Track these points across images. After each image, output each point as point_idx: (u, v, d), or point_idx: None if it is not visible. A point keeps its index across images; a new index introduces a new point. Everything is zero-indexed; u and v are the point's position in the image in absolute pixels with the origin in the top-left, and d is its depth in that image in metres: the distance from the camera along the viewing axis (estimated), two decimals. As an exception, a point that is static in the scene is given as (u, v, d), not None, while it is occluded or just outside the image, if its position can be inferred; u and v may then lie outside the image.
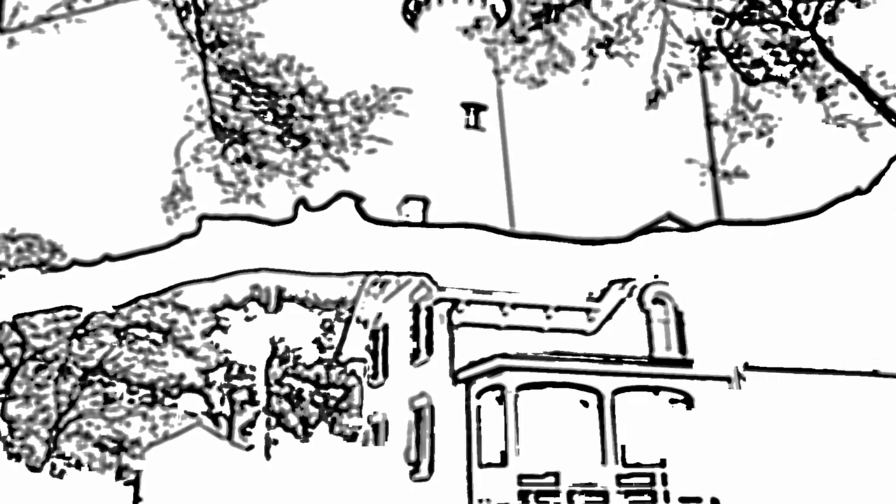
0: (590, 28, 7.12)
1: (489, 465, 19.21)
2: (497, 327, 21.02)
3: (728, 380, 19.86)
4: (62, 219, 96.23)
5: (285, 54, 7.24)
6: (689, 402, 20.07)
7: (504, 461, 18.69)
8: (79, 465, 51.24)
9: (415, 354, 23.03)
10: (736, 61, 7.14)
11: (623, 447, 20.48)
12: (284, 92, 7.32)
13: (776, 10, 6.61)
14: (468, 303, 20.69)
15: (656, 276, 19.56)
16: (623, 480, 18.93)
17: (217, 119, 7.50)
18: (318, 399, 41.14)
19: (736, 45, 7.11)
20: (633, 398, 20.86)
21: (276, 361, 37.29)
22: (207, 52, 7.26)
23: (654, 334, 22.38)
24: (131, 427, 54.96)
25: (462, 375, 20.00)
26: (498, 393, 19.34)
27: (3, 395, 41.14)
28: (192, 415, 44.29)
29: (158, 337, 42.79)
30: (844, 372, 22.75)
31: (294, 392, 40.64)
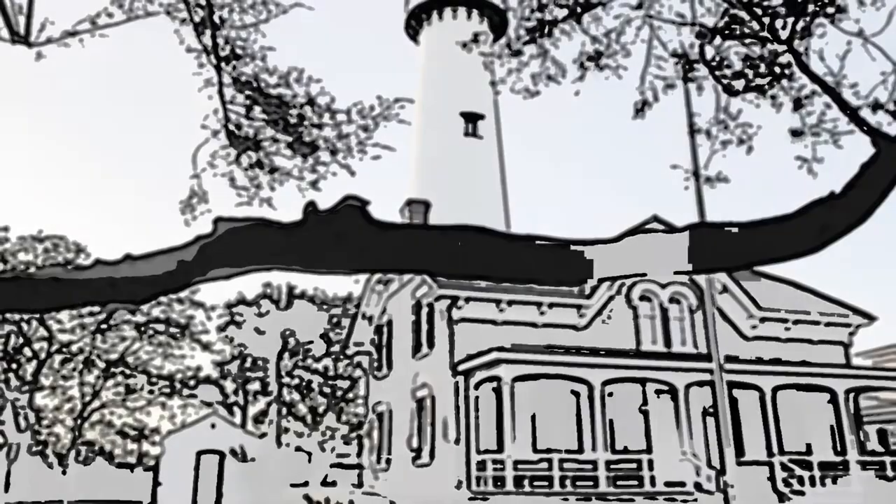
0: (581, 42, 7.09)
1: (487, 451, 19.21)
2: (494, 322, 21.02)
3: (710, 372, 19.86)
4: (87, 221, 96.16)
5: (295, 67, 7.21)
6: (673, 392, 20.06)
7: (500, 448, 18.68)
8: (102, 451, 51.22)
9: (417, 348, 23.03)
10: (718, 73, 7.11)
11: (612, 434, 20.48)
12: (294, 102, 7.28)
13: (755, 25, 6.59)
14: (467, 300, 20.69)
15: (643, 275, 19.54)
16: (612, 466, 18.94)
17: (231, 128, 7.48)
18: (327, 390, 41.13)
19: (718, 59, 7.08)
20: (621, 388, 20.86)
21: (286, 355, 37.28)
22: (222, 64, 7.23)
23: (641, 329, 22.39)
24: (151, 416, 54.93)
25: (461, 368, 20.00)
26: (495, 384, 19.34)
27: (31, 387, 41.14)
28: (209, 404, 44.28)
29: (176, 332, 42.78)
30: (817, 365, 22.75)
31: (304, 383, 40.63)
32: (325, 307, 37.45)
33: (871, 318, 24.91)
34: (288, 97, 7.18)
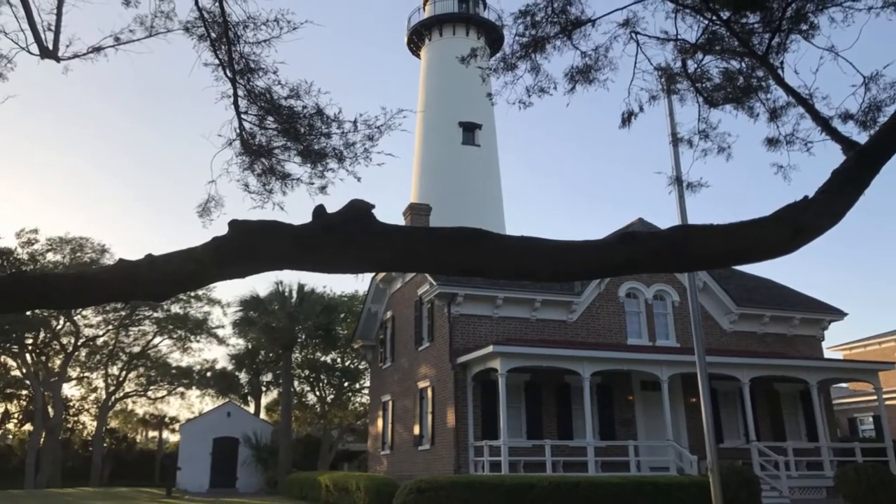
0: (571, 57, 7.09)
1: (483, 438, 19.20)
2: (490, 318, 21.01)
3: (692, 364, 19.85)
4: (110, 223, 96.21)
5: (305, 80, 7.20)
6: (657, 383, 20.04)
7: (496, 435, 18.67)
8: (125, 438, 51.16)
9: (418, 341, 23.02)
10: (699, 86, 7.11)
11: (600, 423, 20.46)
12: (304, 113, 7.28)
13: (734, 41, 6.59)
14: (465, 296, 20.68)
15: (629, 274, 19.52)
16: (600, 452, 18.93)
17: (246, 136, 7.47)
18: (334, 381, 41.05)
19: (699, 72, 7.08)
20: (609, 380, 20.85)
21: (296, 348, 37.21)
22: (237, 78, 7.23)
23: (627, 324, 22.38)
24: (171, 405, 54.81)
25: (459, 360, 19.99)
26: (491, 375, 19.34)
27: (59, 378, 41.08)
28: (224, 395, 44.19)
29: (194, 327, 42.70)
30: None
31: (313, 375, 40.54)
32: (332, 304, 37.37)
33: (841, 314, 24.91)
34: (298, 108, 7.18)
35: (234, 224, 3.58)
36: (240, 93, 7.15)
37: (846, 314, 24.85)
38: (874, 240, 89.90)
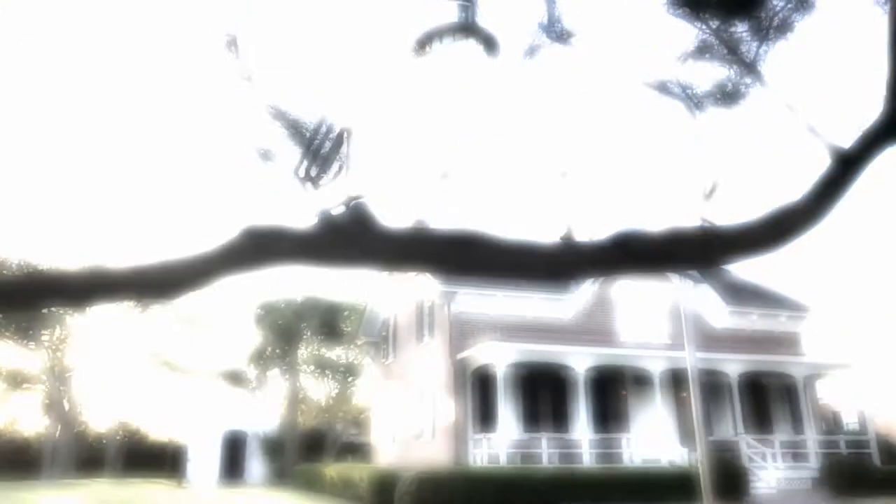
0: (567, 63, 7.10)
1: (482, 431, 19.20)
2: (488, 315, 21.01)
3: (683, 360, 19.85)
4: (125, 226, 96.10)
5: (310, 85, 7.22)
6: (649, 378, 20.05)
7: (494, 428, 18.67)
8: (137, 431, 51.12)
9: (419, 338, 23.03)
10: (689, 92, 7.12)
11: (595, 416, 20.46)
12: (310, 117, 7.28)
13: (724, 50, 6.61)
14: (464, 295, 20.68)
15: (626, 273, 19.51)
16: (594, 444, 18.93)
17: (253, 140, 7.48)
18: (338, 376, 41.03)
19: (689, 78, 7.08)
20: (603, 375, 20.85)
21: (302, 344, 37.23)
22: (245, 83, 7.23)
23: (621, 321, 22.38)
24: (181, 400, 54.67)
25: (459, 355, 20.00)
26: (490, 370, 19.34)
27: (73, 373, 41.08)
28: (234, 389, 44.12)
29: (206, 324, 42.67)
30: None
31: (318, 370, 40.53)
32: (336, 302, 37.37)
33: (828, 313, 24.89)
34: (304, 113, 7.19)
35: (242, 227, 3.59)
36: (247, 98, 7.16)
37: (832, 313, 24.87)
38: (863, 240, 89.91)
